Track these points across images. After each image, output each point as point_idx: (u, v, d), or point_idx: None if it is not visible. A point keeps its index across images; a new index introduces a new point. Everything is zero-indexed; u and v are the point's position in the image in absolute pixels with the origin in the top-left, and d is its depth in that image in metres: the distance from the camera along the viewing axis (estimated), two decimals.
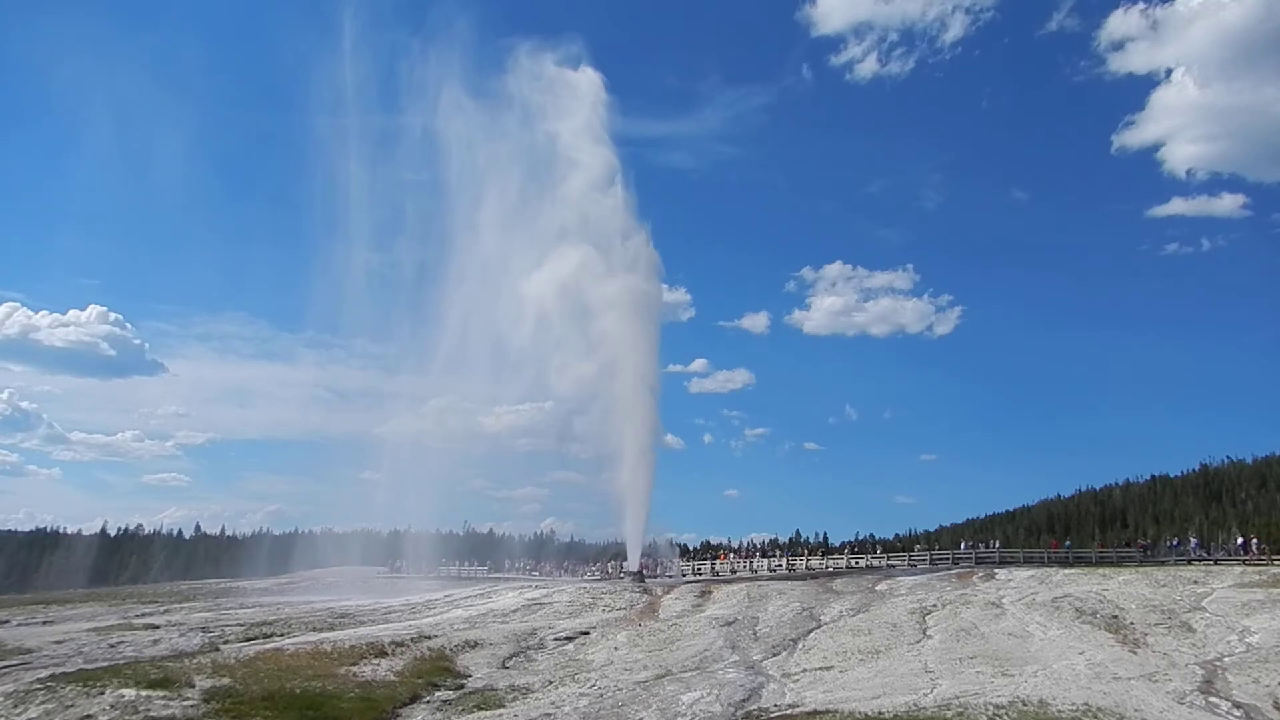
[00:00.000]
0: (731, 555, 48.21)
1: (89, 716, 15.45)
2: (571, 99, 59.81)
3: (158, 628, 27.72)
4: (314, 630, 27.17)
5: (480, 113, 67.53)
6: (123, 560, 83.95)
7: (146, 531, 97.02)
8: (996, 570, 31.60)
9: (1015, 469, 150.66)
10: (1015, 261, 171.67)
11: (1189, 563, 31.62)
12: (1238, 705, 15.51)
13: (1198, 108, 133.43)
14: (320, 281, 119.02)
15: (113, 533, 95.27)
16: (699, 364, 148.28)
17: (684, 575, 41.98)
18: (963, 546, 41.61)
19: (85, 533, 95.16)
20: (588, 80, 60.45)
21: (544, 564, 57.16)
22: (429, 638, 24.43)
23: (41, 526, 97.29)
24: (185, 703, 16.40)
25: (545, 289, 55.90)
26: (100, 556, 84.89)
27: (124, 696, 16.41)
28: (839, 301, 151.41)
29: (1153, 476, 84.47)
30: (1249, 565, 29.42)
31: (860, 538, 70.75)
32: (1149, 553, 37.08)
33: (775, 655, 21.76)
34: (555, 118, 60.13)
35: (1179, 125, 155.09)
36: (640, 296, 51.56)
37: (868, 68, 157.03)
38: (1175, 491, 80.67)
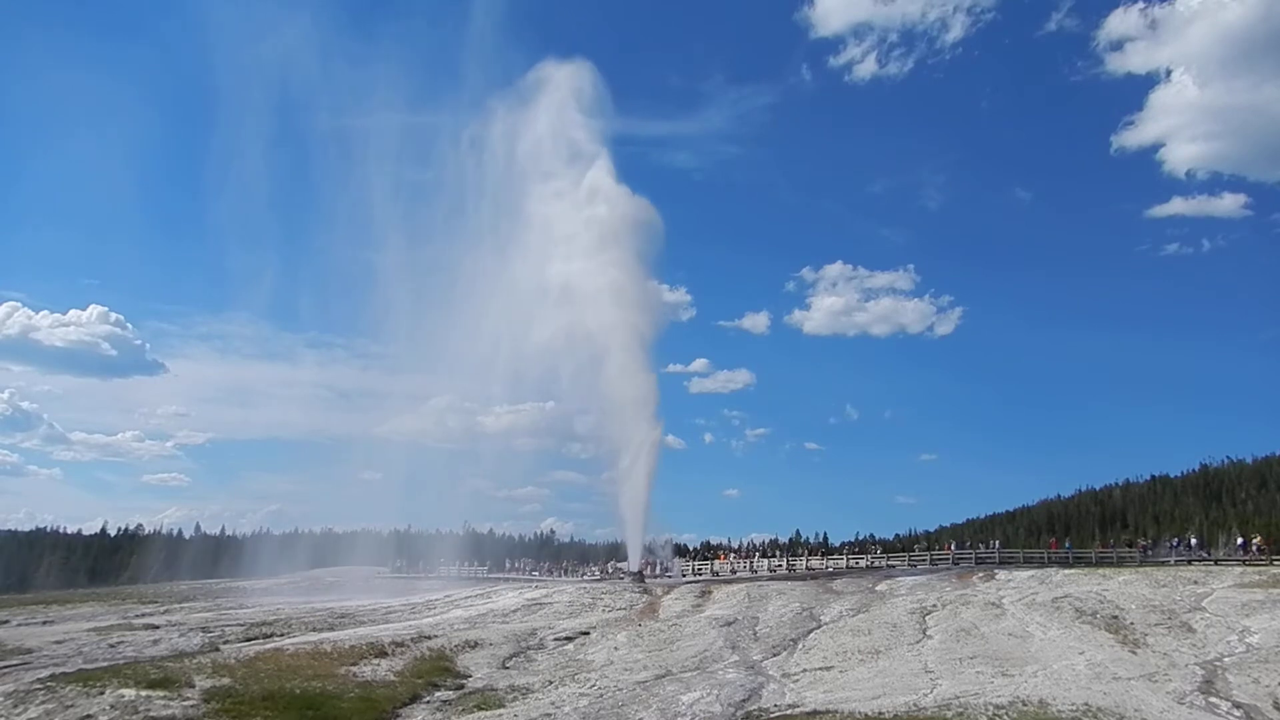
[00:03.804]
0: (731, 555, 48.13)
1: (89, 716, 15.46)
2: (570, 98, 59.97)
3: (158, 628, 27.74)
4: (314, 630, 27.18)
5: (484, 113, 67.69)
6: (123, 560, 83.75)
7: (146, 531, 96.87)
8: (996, 570, 31.59)
9: (1015, 469, 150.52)
10: (1016, 261, 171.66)
11: (1189, 563, 31.59)
12: (1238, 705, 15.52)
13: (1197, 107, 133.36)
14: (321, 281, 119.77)
15: (113, 533, 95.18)
16: (699, 364, 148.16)
17: (684, 575, 41.93)
18: (954, 547, 41.46)
19: (85, 533, 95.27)
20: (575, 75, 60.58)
21: (544, 564, 57.17)
22: (429, 638, 24.43)
23: (41, 526, 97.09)
24: (185, 703, 16.41)
25: (544, 287, 56.01)
26: (100, 556, 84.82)
27: (124, 696, 16.42)
28: (839, 301, 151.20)
29: (1153, 476, 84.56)
30: (1249, 565, 29.43)
31: (860, 538, 70.68)
32: (1149, 553, 37.03)
33: (775, 655, 21.76)
34: (555, 116, 60.26)
35: (1178, 125, 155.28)
36: (635, 287, 51.64)
37: (867, 68, 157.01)
38: (1175, 491, 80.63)
